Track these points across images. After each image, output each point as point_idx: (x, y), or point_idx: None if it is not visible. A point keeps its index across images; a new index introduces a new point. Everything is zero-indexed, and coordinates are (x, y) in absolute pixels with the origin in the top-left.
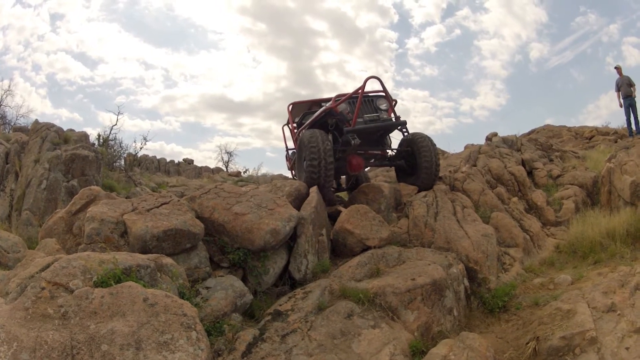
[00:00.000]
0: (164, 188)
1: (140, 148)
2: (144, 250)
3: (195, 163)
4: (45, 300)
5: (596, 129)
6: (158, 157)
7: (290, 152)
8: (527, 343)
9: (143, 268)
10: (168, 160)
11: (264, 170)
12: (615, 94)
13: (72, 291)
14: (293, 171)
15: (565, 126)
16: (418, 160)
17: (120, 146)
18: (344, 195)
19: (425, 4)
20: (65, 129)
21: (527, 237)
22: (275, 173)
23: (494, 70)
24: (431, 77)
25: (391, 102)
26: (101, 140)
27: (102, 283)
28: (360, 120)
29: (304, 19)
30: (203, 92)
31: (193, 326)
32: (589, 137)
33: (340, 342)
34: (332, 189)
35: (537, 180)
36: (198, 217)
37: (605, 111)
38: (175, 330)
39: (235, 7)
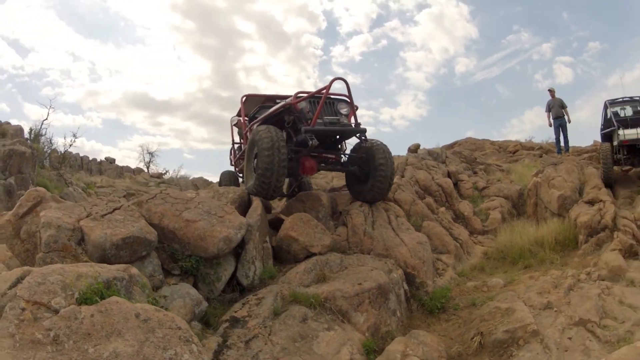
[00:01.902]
0: (92, 188)
1: (70, 145)
2: (103, 259)
3: (116, 162)
4: (29, 323)
5: (520, 143)
6: (81, 154)
7: (236, 146)
8: (472, 338)
9: (119, 280)
10: (90, 158)
11: (182, 172)
12: (546, 114)
13: (56, 311)
14: (237, 167)
15: (488, 139)
16: (373, 172)
17: (51, 142)
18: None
19: (356, 13)
20: None
21: (457, 244)
22: (195, 176)
23: (417, 81)
24: (353, 85)
25: (353, 107)
26: (32, 136)
27: (85, 300)
28: (319, 121)
29: (232, 20)
30: (126, 89)
31: (190, 339)
32: (512, 151)
33: (302, 344)
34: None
35: (462, 192)
36: (148, 223)
37: (529, 126)
38: (176, 344)
39: (168, 3)
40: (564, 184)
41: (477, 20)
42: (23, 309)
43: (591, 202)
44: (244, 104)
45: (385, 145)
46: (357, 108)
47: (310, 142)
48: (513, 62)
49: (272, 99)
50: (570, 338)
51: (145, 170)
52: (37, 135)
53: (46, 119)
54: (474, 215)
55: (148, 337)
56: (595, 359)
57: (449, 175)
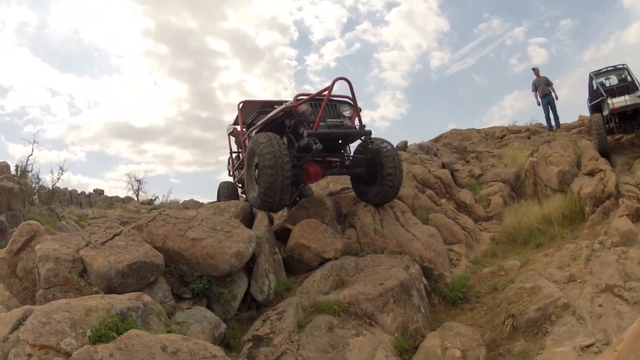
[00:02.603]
0: (84, 220)
1: (58, 179)
2: (109, 290)
3: (105, 193)
4: None
5: (507, 128)
6: (68, 188)
7: (234, 155)
8: (504, 322)
9: (134, 310)
10: (79, 192)
11: (171, 197)
12: (533, 93)
13: (67, 354)
14: (235, 178)
15: (474, 128)
16: (380, 180)
17: (38, 178)
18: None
19: (326, 19)
20: None
21: (466, 233)
22: (185, 199)
23: (394, 81)
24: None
25: (357, 108)
26: (19, 173)
27: (100, 337)
28: (322, 124)
29: (204, 40)
30: (107, 120)
31: None
32: (500, 136)
33: (333, 354)
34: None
35: (460, 181)
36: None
37: (510, 111)
38: None
39: (139, 29)
40: (561, 160)
41: (447, 13)
42: (29, 355)
43: (591, 173)
44: (241, 110)
45: (394, 151)
46: (360, 109)
47: (315, 147)
48: (487, 50)
49: (270, 104)
50: (600, 305)
51: (135, 199)
52: (23, 171)
53: (31, 154)
54: (475, 203)
55: None
56: (629, 320)
57: (443, 166)
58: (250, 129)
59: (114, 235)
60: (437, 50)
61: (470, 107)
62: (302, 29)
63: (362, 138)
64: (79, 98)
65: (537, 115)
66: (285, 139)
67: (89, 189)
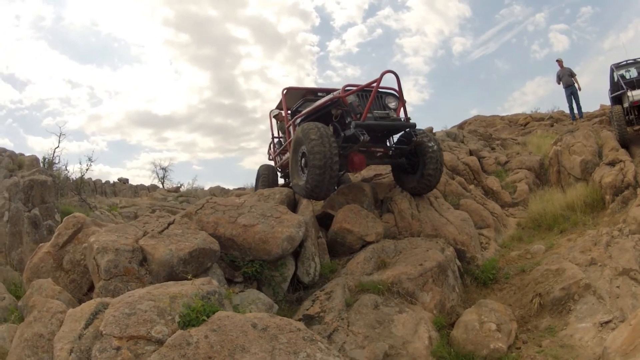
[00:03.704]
0: (115, 209)
1: (87, 169)
2: (170, 277)
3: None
4: None
5: (530, 115)
6: (92, 179)
7: (275, 140)
8: (531, 300)
9: (212, 295)
10: (103, 181)
11: (195, 184)
12: (557, 84)
13: (159, 341)
14: (276, 163)
15: (497, 115)
16: (423, 165)
17: (66, 169)
18: None
19: (347, 5)
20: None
21: (494, 218)
22: (207, 186)
23: (416, 66)
24: (353, 77)
25: (403, 101)
26: (46, 165)
27: (189, 322)
28: (369, 115)
29: (225, 27)
30: (128, 109)
31: (314, 337)
32: (523, 123)
33: (381, 330)
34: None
35: (486, 168)
36: None
37: (531, 97)
38: (304, 346)
39: (159, 19)
40: (583, 149)
41: None
42: (117, 348)
43: (612, 164)
44: (285, 96)
45: (439, 152)
46: (405, 102)
47: (362, 138)
48: (508, 36)
49: (313, 92)
50: (618, 286)
51: (161, 186)
52: (50, 164)
53: (57, 146)
54: (502, 189)
55: (274, 345)
56: None
57: (470, 153)
58: (296, 117)
59: (169, 224)
60: (459, 35)
61: (493, 92)
62: (323, 15)
63: (407, 130)
64: (99, 89)
65: (559, 102)
66: (331, 128)
67: (111, 178)
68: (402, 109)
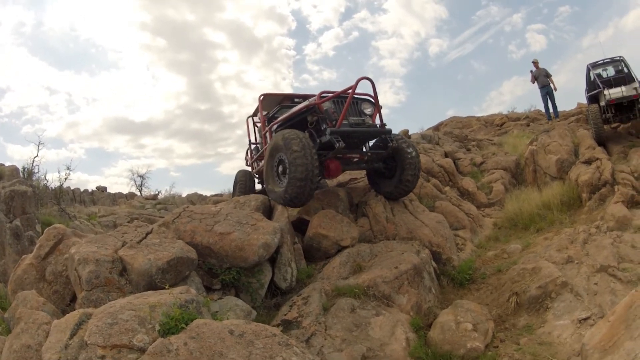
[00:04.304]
0: (94, 219)
1: (65, 178)
2: (149, 286)
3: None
4: None
5: (506, 115)
6: (71, 187)
7: (252, 146)
8: (508, 299)
9: (190, 303)
10: (82, 189)
11: (173, 191)
12: (532, 83)
13: (141, 349)
14: (253, 169)
15: (474, 116)
16: (402, 170)
17: (45, 179)
18: None
19: (323, 9)
20: None
21: (470, 219)
22: (185, 193)
23: (392, 68)
24: (330, 80)
25: (379, 107)
26: (25, 175)
27: (169, 330)
28: (344, 122)
29: (202, 32)
30: (105, 115)
31: (288, 342)
32: (499, 124)
33: (358, 333)
34: None
35: (462, 169)
36: None
37: (508, 97)
38: (280, 351)
39: (136, 23)
40: (559, 148)
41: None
42: (102, 357)
43: (588, 162)
44: (261, 102)
45: (417, 158)
46: (381, 107)
47: (337, 145)
48: (485, 37)
49: (290, 98)
50: (596, 283)
51: (138, 194)
52: (29, 173)
53: (37, 155)
54: (478, 190)
55: (251, 350)
56: (622, 296)
57: (446, 155)
58: (272, 123)
59: (147, 234)
60: (436, 37)
61: (469, 93)
62: (300, 19)
63: (383, 136)
64: (77, 95)
65: (535, 102)
66: (306, 134)
67: (90, 186)
68: (377, 114)
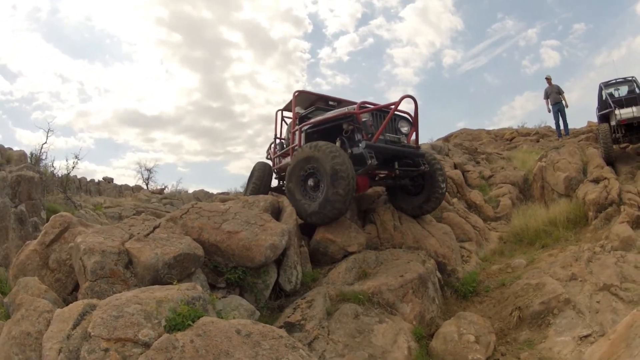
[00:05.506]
0: (100, 209)
1: (73, 167)
2: (155, 280)
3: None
4: None
5: (516, 130)
6: (78, 176)
7: (277, 141)
8: (511, 313)
9: (197, 300)
10: (88, 179)
11: (179, 187)
12: (544, 101)
13: (146, 344)
14: (274, 165)
15: (483, 129)
16: (429, 195)
17: (53, 166)
18: None
19: (340, 13)
20: None
21: (476, 232)
22: (191, 189)
23: (406, 77)
24: (342, 85)
25: (417, 127)
26: (32, 161)
27: (175, 326)
28: (380, 137)
29: (218, 30)
30: (116, 107)
31: (295, 344)
32: (509, 138)
33: (361, 339)
34: None
35: (470, 182)
36: None
37: (520, 111)
38: (286, 352)
39: (152, 18)
40: (568, 166)
41: (462, 11)
42: (106, 350)
43: (596, 181)
44: (295, 98)
45: (440, 163)
46: (418, 128)
47: (370, 161)
48: (499, 50)
49: (324, 100)
50: (598, 302)
51: (145, 187)
52: (37, 160)
53: (45, 142)
54: (485, 203)
55: (257, 351)
56: (623, 316)
57: (455, 167)
58: (304, 123)
59: (154, 228)
60: (450, 48)
61: (481, 106)
62: (316, 22)
63: (415, 157)
64: (89, 85)
65: (546, 118)
66: (338, 142)
67: (97, 177)
68: (413, 134)
